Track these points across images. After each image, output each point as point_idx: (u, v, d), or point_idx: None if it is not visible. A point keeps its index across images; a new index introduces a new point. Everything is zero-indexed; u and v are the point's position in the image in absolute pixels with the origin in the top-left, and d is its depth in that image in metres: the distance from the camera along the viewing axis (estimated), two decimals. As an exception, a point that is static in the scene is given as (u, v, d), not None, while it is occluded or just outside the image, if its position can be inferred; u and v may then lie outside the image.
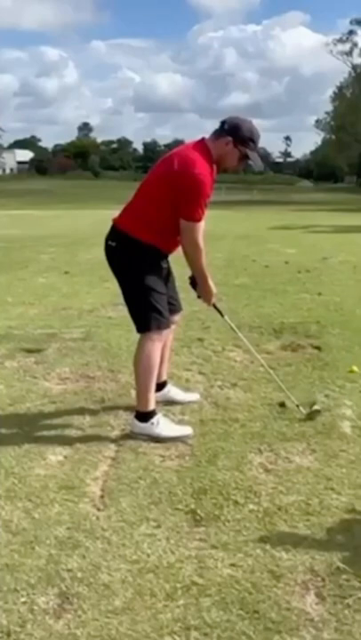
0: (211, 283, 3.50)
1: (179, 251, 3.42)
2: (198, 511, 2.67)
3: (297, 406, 3.70)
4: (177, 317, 3.76)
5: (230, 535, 2.50)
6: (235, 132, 3.28)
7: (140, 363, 3.41)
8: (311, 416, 3.65)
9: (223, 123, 3.32)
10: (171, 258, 3.55)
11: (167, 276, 3.55)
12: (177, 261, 3.54)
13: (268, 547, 2.42)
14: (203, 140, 3.34)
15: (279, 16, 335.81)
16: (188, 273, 3.50)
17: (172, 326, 3.67)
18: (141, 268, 3.36)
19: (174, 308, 3.63)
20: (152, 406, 3.44)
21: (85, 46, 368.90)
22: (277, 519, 2.62)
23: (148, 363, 3.40)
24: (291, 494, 2.82)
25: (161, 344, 3.47)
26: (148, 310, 3.36)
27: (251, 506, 2.71)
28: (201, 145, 3.31)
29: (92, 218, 20.76)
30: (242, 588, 2.17)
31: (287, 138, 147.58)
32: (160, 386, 3.73)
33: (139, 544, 2.43)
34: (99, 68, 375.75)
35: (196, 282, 3.52)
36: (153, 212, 3.34)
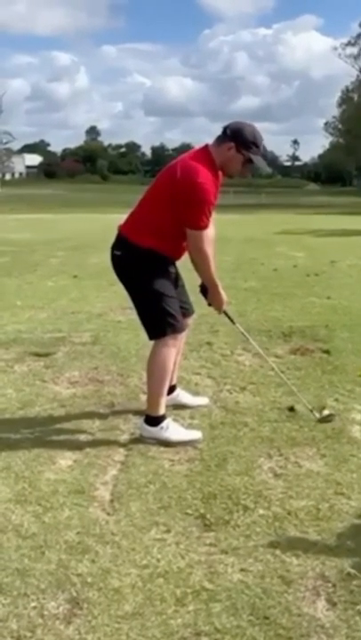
0: (221, 290, 3.49)
1: (185, 256, 3.42)
2: (208, 516, 2.66)
3: (311, 410, 3.68)
4: (190, 320, 3.75)
5: (240, 540, 2.49)
6: (237, 137, 3.27)
7: (155, 368, 3.40)
8: (327, 419, 3.63)
9: (225, 128, 3.32)
10: (178, 262, 3.55)
11: (176, 280, 3.55)
12: (184, 266, 3.54)
13: (278, 552, 2.41)
14: (206, 146, 3.34)
15: (293, 20, 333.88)
16: (196, 277, 3.49)
17: (186, 330, 3.67)
18: (150, 274, 3.35)
19: (187, 311, 3.63)
20: (162, 411, 3.44)
21: (97, 51, 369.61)
22: (287, 524, 2.61)
23: (163, 368, 3.39)
24: (301, 499, 2.81)
25: (176, 349, 3.47)
26: (162, 315, 3.35)
27: (260, 511, 2.71)
28: (204, 152, 3.30)
29: (101, 222, 20.81)
30: (252, 593, 2.17)
31: (295, 141, 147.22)
32: (170, 389, 3.73)
33: (149, 549, 2.43)
34: (109, 72, 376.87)
35: (207, 289, 3.52)
36: (156, 219, 3.34)
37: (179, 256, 3.46)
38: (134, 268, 3.37)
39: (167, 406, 3.57)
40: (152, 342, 3.46)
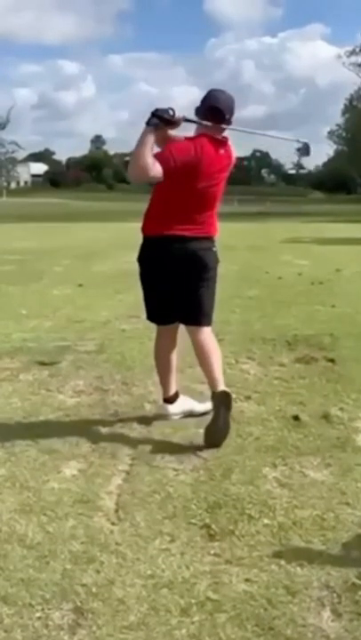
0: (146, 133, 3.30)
1: None
2: (213, 526, 2.66)
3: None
4: None
5: (245, 550, 2.49)
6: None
7: (217, 350, 3.70)
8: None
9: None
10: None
11: None
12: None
13: (283, 562, 2.40)
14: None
15: (300, 28, 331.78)
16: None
17: None
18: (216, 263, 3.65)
19: None
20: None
21: (104, 60, 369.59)
22: (292, 534, 2.60)
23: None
24: (305, 509, 2.80)
25: None
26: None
27: (265, 520, 2.70)
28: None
29: (106, 230, 20.86)
30: (257, 603, 2.16)
31: (299, 150, 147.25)
32: (174, 396, 3.81)
33: (153, 559, 2.43)
34: (116, 81, 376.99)
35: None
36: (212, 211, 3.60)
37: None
38: (211, 258, 3.60)
39: (176, 417, 3.59)
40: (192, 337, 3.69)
